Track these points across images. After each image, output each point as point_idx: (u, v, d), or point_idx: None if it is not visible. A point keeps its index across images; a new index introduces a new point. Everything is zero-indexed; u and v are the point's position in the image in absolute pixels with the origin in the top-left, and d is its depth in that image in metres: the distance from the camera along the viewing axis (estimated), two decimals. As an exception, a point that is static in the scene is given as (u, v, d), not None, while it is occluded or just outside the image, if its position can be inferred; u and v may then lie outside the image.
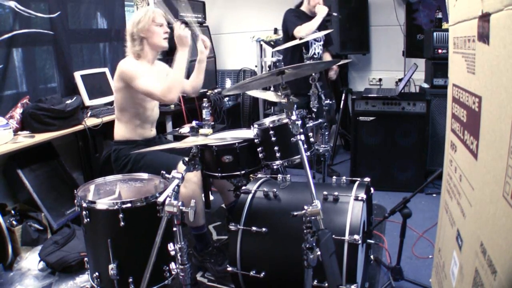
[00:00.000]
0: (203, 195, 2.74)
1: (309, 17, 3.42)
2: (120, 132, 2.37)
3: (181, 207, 1.45)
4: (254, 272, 1.79)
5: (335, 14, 3.47)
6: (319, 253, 1.35)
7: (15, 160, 2.63)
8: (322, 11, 3.31)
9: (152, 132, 2.48)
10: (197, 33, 2.54)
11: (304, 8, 3.49)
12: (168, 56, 3.81)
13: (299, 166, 1.82)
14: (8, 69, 2.69)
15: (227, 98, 4.27)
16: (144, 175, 2.05)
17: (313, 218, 1.36)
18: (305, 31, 3.26)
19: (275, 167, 2.16)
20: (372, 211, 2.17)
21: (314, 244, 1.37)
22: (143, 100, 2.31)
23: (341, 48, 3.92)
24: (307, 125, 2.34)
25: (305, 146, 1.94)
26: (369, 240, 2.01)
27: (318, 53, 3.51)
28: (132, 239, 1.76)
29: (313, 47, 3.47)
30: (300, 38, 3.13)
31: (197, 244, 2.34)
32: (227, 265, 1.88)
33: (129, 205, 1.71)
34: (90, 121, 2.89)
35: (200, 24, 4.24)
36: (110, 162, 2.41)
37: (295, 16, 3.41)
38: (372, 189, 1.94)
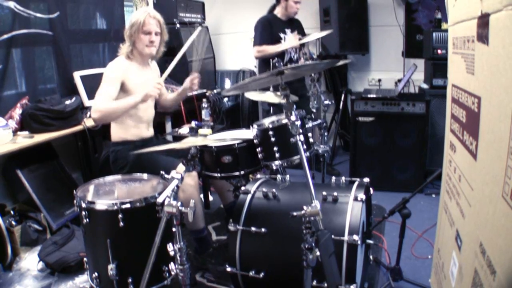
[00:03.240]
0: (202, 196, 2.74)
1: (283, 22, 3.39)
2: (116, 133, 2.37)
3: (180, 208, 1.45)
4: (253, 272, 1.79)
5: (306, 52, 3.29)
6: (318, 253, 1.35)
7: (15, 161, 2.63)
8: (289, 43, 3.22)
9: (149, 132, 2.48)
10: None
11: (278, 13, 3.42)
12: (167, 56, 3.82)
13: (299, 167, 1.82)
14: (7, 69, 2.69)
15: (226, 99, 4.27)
16: (144, 176, 2.05)
17: (312, 218, 1.36)
18: (260, 55, 3.30)
19: (274, 167, 2.16)
20: (372, 211, 2.17)
21: (313, 244, 1.37)
22: None
23: (340, 48, 3.92)
24: (306, 126, 2.34)
25: (304, 147, 1.94)
26: (368, 241, 2.01)
27: (294, 56, 3.48)
28: (131, 239, 1.76)
29: (288, 51, 3.41)
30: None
31: (197, 246, 2.34)
32: (227, 266, 1.88)
33: (128, 205, 1.71)
34: (90, 122, 2.89)
35: (199, 25, 4.25)
36: (109, 163, 2.41)
37: (266, 28, 3.33)
38: (371, 189, 1.94)
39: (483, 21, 1.04)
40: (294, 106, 1.59)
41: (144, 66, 2.44)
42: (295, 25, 3.49)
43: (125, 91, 2.27)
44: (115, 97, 2.21)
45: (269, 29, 3.36)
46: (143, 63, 2.43)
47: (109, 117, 2.22)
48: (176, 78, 3.73)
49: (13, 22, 2.69)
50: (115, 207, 1.70)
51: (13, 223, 2.48)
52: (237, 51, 4.78)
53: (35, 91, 2.92)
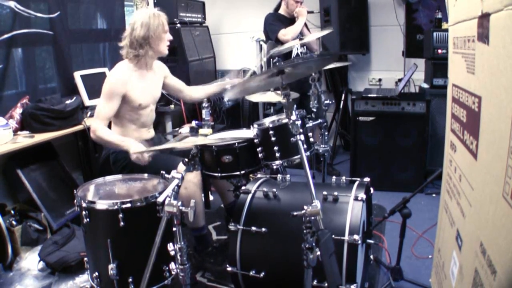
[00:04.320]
0: (203, 195, 2.74)
1: (288, 19, 3.49)
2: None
3: (180, 207, 1.45)
4: (253, 272, 1.79)
5: (313, 11, 3.59)
6: (318, 253, 1.35)
7: (15, 160, 2.63)
8: (303, 14, 3.40)
9: (149, 133, 2.48)
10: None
11: (282, 11, 3.56)
12: (167, 56, 3.82)
13: (299, 166, 1.82)
14: (8, 69, 2.69)
15: (226, 98, 4.27)
16: (144, 175, 2.05)
17: (312, 218, 1.36)
18: (291, 34, 3.34)
19: (274, 167, 2.16)
20: (372, 211, 2.17)
21: (313, 244, 1.37)
22: (136, 108, 2.30)
23: (341, 48, 3.92)
24: (307, 125, 2.34)
25: (305, 146, 1.94)
26: (368, 240, 2.01)
27: (301, 52, 3.52)
28: (132, 239, 1.75)
29: (295, 47, 3.48)
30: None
31: (197, 245, 2.34)
32: (227, 265, 1.88)
33: (128, 205, 1.71)
34: (90, 121, 2.89)
35: (200, 24, 4.24)
36: (109, 163, 2.41)
37: (276, 20, 3.49)
38: (371, 189, 1.94)
39: (484, 20, 1.04)
40: (295, 106, 1.59)
41: (148, 70, 2.40)
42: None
43: (128, 102, 2.26)
44: (114, 112, 2.23)
45: (278, 21, 3.48)
46: (150, 67, 2.41)
47: (101, 143, 2.27)
48: (176, 77, 3.73)
49: (13, 21, 2.69)
50: (116, 207, 1.69)
51: (14, 223, 2.48)
52: (238, 50, 4.78)
53: (35, 90, 2.92)
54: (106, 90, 2.23)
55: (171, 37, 2.38)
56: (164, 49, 2.35)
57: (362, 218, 1.73)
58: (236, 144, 2.13)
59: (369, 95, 3.41)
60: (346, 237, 1.64)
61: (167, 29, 2.33)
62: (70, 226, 2.57)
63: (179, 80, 2.68)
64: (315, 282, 1.64)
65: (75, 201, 1.78)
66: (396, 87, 3.91)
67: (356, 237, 1.63)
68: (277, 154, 2.11)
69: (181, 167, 1.92)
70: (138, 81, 2.30)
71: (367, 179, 1.95)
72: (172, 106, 3.60)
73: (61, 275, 2.27)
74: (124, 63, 2.31)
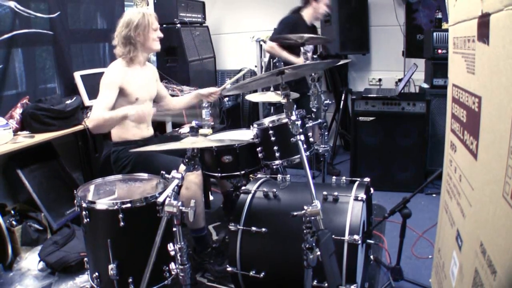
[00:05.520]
0: (203, 196, 2.74)
1: (307, 27, 3.32)
2: (117, 133, 2.37)
3: (180, 207, 1.45)
4: (253, 272, 1.79)
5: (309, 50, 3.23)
6: (318, 253, 1.35)
7: (15, 160, 2.63)
8: (300, 62, 3.05)
9: (149, 131, 2.49)
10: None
11: (306, 15, 3.34)
12: (167, 56, 3.83)
13: (299, 166, 1.82)
14: (8, 69, 2.69)
15: (226, 98, 4.27)
16: (144, 175, 2.05)
17: (313, 218, 1.36)
18: (270, 52, 3.33)
19: (274, 167, 2.16)
20: (372, 211, 2.17)
21: (314, 244, 1.37)
22: (133, 102, 2.31)
23: (341, 48, 3.92)
24: (307, 125, 2.34)
25: (305, 146, 1.94)
26: (369, 240, 2.01)
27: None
28: (132, 239, 1.76)
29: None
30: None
31: (196, 245, 2.34)
32: (227, 265, 1.88)
33: (129, 205, 1.71)
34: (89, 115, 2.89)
35: (200, 24, 4.24)
36: (110, 162, 2.41)
37: (289, 25, 3.27)
38: (372, 189, 1.94)
39: (484, 20, 1.04)
40: (295, 106, 1.59)
41: (143, 67, 2.44)
42: (314, 32, 3.49)
43: (125, 96, 2.27)
44: (113, 104, 2.20)
45: (290, 26, 3.27)
46: (143, 63, 2.44)
47: (102, 127, 2.20)
48: (176, 77, 3.73)
49: (13, 21, 2.69)
50: (116, 207, 1.69)
51: (14, 223, 2.48)
52: (238, 51, 4.78)
53: (35, 90, 2.92)
54: (104, 82, 2.25)
55: (161, 35, 2.40)
56: (153, 45, 2.37)
57: (362, 218, 1.73)
58: (236, 144, 2.14)
59: (369, 95, 3.41)
60: (346, 237, 1.64)
61: (155, 27, 2.35)
62: (70, 226, 2.57)
63: (164, 88, 2.75)
64: (315, 282, 1.64)
65: (75, 201, 1.78)
66: (396, 87, 3.91)
67: (356, 237, 1.63)
68: (277, 154, 2.11)
69: (182, 167, 1.92)
70: (133, 76, 2.32)
71: (367, 179, 1.95)
72: (172, 106, 3.60)
73: (61, 275, 2.27)
74: (117, 61, 2.35)
